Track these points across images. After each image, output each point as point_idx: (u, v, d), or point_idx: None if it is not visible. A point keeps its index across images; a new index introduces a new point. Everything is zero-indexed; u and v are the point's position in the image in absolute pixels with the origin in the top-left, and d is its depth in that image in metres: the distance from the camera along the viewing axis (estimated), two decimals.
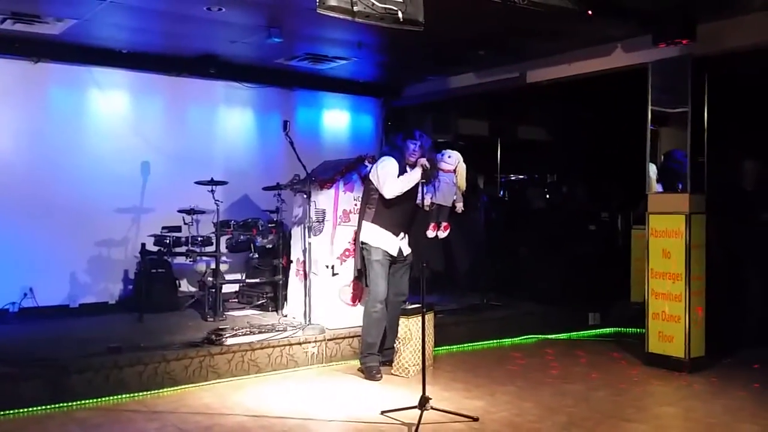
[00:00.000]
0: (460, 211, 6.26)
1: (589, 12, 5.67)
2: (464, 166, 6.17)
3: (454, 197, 6.06)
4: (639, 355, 6.22)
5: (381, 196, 5.60)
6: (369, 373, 5.61)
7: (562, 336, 7.31)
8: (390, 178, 5.59)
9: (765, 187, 7.20)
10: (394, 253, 5.69)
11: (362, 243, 5.71)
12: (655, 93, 6.55)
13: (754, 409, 4.86)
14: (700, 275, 5.92)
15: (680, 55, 6.35)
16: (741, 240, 6.94)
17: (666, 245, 5.97)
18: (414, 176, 5.53)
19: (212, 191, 6.95)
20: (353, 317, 6.22)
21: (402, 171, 5.62)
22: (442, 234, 6.20)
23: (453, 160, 6.17)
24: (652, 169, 6.50)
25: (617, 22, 6.21)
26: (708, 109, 6.41)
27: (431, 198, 5.84)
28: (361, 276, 5.91)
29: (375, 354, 5.67)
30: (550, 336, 7.26)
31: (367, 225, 5.69)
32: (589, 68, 7.40)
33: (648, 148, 6.71)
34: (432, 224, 5.95)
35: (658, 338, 6.01)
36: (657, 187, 6.40)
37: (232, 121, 8.69)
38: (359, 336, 6.05)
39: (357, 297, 6.37)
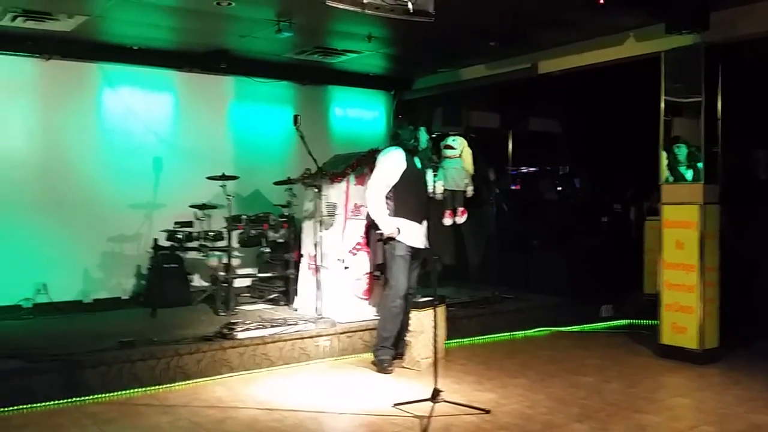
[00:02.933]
0: (470, 195, 6.25)
1: (601, 1, 5.63)
2: (470, 150, 6.16)
3: (465, 181, 6.04)
4: (652, 347, 6.17)
5: (394, 186, 5.56)
6: (381, 366, 5.61)
7: (575, 328, 7.27)
8: (377, 186, 5.52)
9: None
10: (420, 245, 5.65)
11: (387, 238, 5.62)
12: (669, 82, 6.48)
13: (766, 400, 4.82)
14: (714, 266, 5.87)
15: (693, 43, 6.28)
16: (755, 230, 6.87)
17: (679, 236, 5.91)
18: (384, 225, 5.48)
19: (224, 186, 6.98)
20: (364, 311, 6.22)
21: (408, 160, 5.57)
22: (460, 219, 6.20)
23: (457, 145, 6.16)
24: (667, 159, 6.43)
25: (629, 11, 6.16)
26: (722, 98, 6.34)
27: (443, 185, 5.83)
28: (381, 271, 5.89)
29: (389, 348, 5.66)
30: (562, 328, 7.22)
31: (390, 220, 5.57)
32: (602, 58, 7.36)
33: (661, 138, 6.65)
34: (448, 211, 5.94)
35: (671, 330, 5.97)
36: (669, 175, 6.34)
37: (243, 116, 8.70)
38: (371, 329, 6.07)
39: (370, 290, 6.37)
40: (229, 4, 6.08)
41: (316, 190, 6.50)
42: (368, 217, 5.89)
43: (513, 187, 9.88)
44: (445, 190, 5.89)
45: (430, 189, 5.56)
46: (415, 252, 5.64)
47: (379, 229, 5.65)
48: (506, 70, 8.39)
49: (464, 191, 6.29)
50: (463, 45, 7.72)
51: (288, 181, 7.36)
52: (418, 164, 5.71)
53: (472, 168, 6.23)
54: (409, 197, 5.58)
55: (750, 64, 6.79)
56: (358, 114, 9.70)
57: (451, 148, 6.38)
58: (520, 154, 9.92)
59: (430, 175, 5.81)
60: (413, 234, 5.60)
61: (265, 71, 8.59)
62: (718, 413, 4.58)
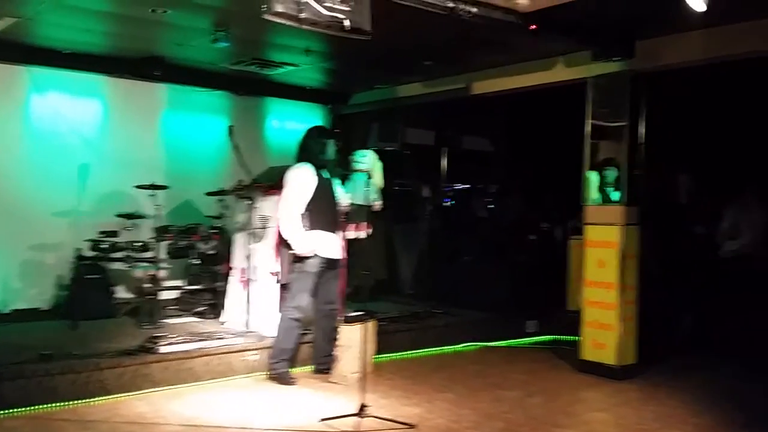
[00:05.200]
0: (378, 209, 6.32)
1: (532, 26, 5.80)
2: (380, 164, 6.25)
3: (372, 196, 6.11)
4: (574, 363, 6.35)
5: (308, 201, 5.55)
6: (284, 378, 5.58)
7: (502, 343, 7.41)
8: (290, 205, 5.51)
9: (697, 200, 7.48)
10: (336, 256, 5.67)
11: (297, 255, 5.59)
12: (594, 107, 6.74)
13: (682, 416, 5.01)
14: (633, 285, 6.08)
15: (619, 71, 6.54)
16: (674, 251, 7.18)
17: (601, 255, 6.11)
18: (300, 246, 5.48)
19: (153, 196, 6.83)
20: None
21: (318, 174, 5.59)
22: (363, 234, 6.25)
23: (367, 160, 6.25)
24: (595, 180, 6.66)
25: (559, 37, 6.36)
26: (645, 124, 6.62)
27: (350, 198, 5.89)
28: (286, 286, 5.86)
29: (287, 360, 5.64)
30: (490, 343, 7.35)
31: (304, 234, 5.55)
32: (532, 81, 7.54)
33: (586, 160, 6.89)
34: (351, 225, 5.98)
35: (592, 346, 6.16)
36: (597, 197, 6.56)
37: (176, 124, 8.54)
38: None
39: None
40: (165, 11, 5.98)
41: (249, 202, 6.45)
42: (279, 233, 5.82)
43: (446, 204, 10.02)
44: (351, 203, 5.95)
45: (338, 200, 5.61)
46: (331, 263, 5.65)
47: (291, 249, 5.61)
48: (442, 89, 8.52)
49: (370, 206, 6.37)
50: (399, 63, 7.81)
51: (220, 193, 7.27)
52: (327, 175, 5.74)
53: (381, 182, 6.33)
54: (323, 210, 5.62)
55: (674, 91, 7.12)
56: (295, 127, 9.65)
57: (360, 162, 6.47)
58: (454, 171, 10.08)
59: (338, 185, 5.86)
60: (330, 245, 5.62)
61: (200, 80, 8.46)
62: (636, 428, 4.75)
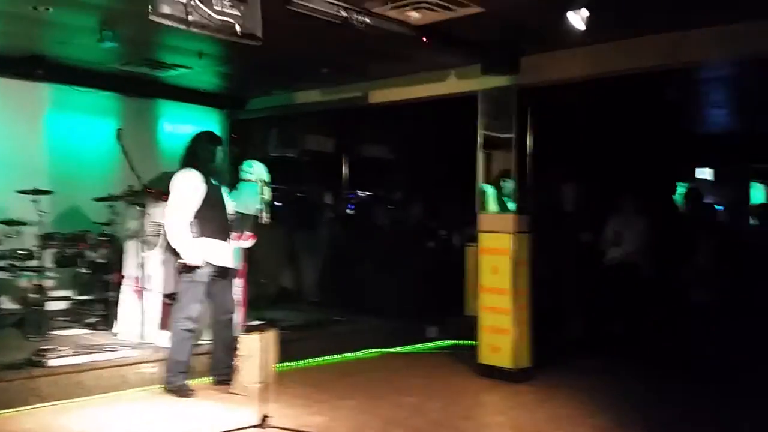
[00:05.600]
0: (266, 222, 6.30)
1: (425, 39, 5.96)
2: (268, 176, 6.24)
3: (258, 207, 6.10)
4: (472, 367, 6.50)
5: (199, 207, 5.43)
6: (182, 391, 5.43)
7: (404, 349, 7.52)
8: (177, 212, 5.37)
9: (582, 208, 7.92)
10: (228, 264, 5.57)
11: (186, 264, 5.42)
12: (485, 119, 7.01)
13: (577, 417, 5.20)
14: (525, 290, 6.32)
15: (507, 85, 6.83)
16: (561, 257, 7.56)
17: (494, 262, 6.33)
18: (188, 255, 5.36)
19: (36, 201, 6.49)
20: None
21: (206, 180, 5.49)
22: (246, 243, 6.22)
23: (254, 170, 6.23)
24: (491, 191, 6.91)
25: (450, 50, 6.56)
26: (534, 136, 6.94)
27: (234, 207, 5.85)
28: (173, 297, 5.72)
29: (184, 372, 5.50)
30: (391, 349, 7.43)
31: (193, 242, 5.40)
32: (426, 93, 7.74)
33: (480, 170, 7.15)
34: (235, 234, 5.95)
35: (488, 350, 6.35)
36: (494, 207, 6.80)
37: (60, 126, 8.11)
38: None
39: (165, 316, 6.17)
40: (47, 9, 5.69)
41: (141, 208, 6.23)
42: (165, 241, 5.66)
43: (348, 211, 10.07)
44: (236, 212, 5.91)
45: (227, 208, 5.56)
46: (222, 271, 5.57)
47: (179, 257, 5.46)
48: (339, 97, 8.57)
49: (255, 216, 6.35)
50: (296, 69, 7.78)
51: (110, 198, 6.98)
52: (215, 182, 5.65)
53: (268, 194, 6.34)
54: (212, 217, 5.51)
55: (559, 105, 7.52)
56: (190, 131, 9.38)
57: (248, 172, 6.44)
58: (355, 179, 10.16)
59: (226, 192, 5.80)
60: (221, 253, 5.53)
61: (86, 80, 8.06)
62: (532, 430, 4.94)
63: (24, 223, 6.69)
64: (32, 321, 6.36)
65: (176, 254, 5.46)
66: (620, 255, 7.60)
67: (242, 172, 6.24)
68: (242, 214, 5.87)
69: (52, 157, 7.93)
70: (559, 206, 7.86)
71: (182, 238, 5.36)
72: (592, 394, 5.80)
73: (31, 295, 6.49)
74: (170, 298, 5.86)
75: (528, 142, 6.90)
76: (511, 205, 6.81)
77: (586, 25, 5.31)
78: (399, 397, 5.64)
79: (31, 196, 6.51)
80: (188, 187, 5.42)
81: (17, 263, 6.57)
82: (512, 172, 6.90)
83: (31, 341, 6.11)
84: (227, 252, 5.59)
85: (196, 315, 5.48)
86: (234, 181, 6.36)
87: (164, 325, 6.05)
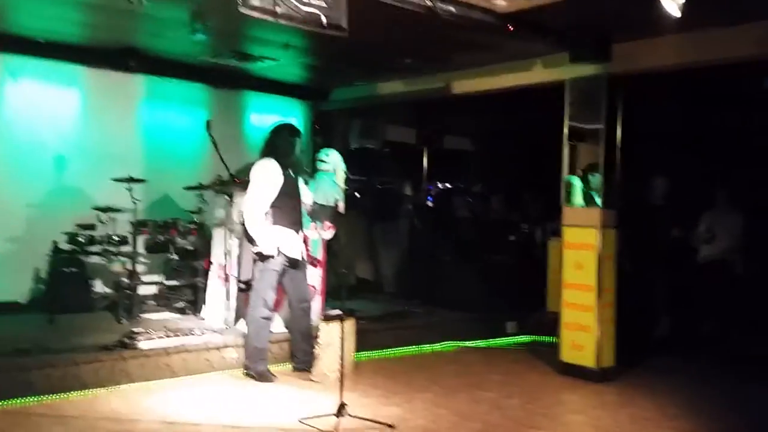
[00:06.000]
0: (342, 211, 6.33)
1: (510, 27, 5.83)
2: (343, 165, 6.23)
3: (335, 196, 6.09)
4: (553, 364, 6.38)
5: (277, 196, 5.50)
6: (263, 376, 5.56)
7: (481, 344, 7.44)
8: (255, 202, 5.44)
9: (672, 203, 7.59)
10: (298, 256, 5.65)
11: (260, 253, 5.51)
12: (572, 109, 6.80)
13: (659, 419, 5.04)
14: (611, 287, 6.13)
15: (596, 73, 6.60)
16: (650, 253, 7.27)
17: (579, 257, 6.16)
18: (264, 245, 5.42)
19: (130, 189, 6.76)
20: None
21: (284, 171, 5.55)
22: (326, 234, 6.25)
23: (331, 159, 6.22)
24: (578, 183, 6.71)
25: (536, 39, 6.40)
26: (622, 127, 6.70)
27: (313, 197, 5.88)
28: (248, 285, 5.82)
29: (264, 358, 5.62)
30: (469, 343, 7.38)
31: (268, 231, 5.48)
32: (511, 82, 7.60)
33: (565, 162, 6.96)
34: (312, 225, 5.98)
35: (570, 347, 6.20)
36: (581, 200, 6.60)
37: (153, 117, 8.43)
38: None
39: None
40: (142, 2, 5.89)
41: (228, 197, 6.40)
42: (243, 229, 5.76)
43: (427, 203, 10.04)
44: (314, 203, 5.93)
45: (303, 199, 5.61)
46: (293, 262, 5.63)
47: (254, 244, 5.56)
48: (421, 88, 8.54)
49: (334, 206, 6.37)
50: (379, 60, 7.81)
51: (199, 187, 7.20)
52: (292, 173, 5.71)
53: (343, 183, 6.33)
54: (287, 207, 5.57)
55: (651, 95, 7.22)
56: (274, 121, 9.59)
57: (324, 162, 6.47)
58: (435, 170, 10.11)
59: (302, 184, 5.84)
60: (292, 244, 5.59)
61: (178, 72, 8.36)
62: (612, 431, 4.80)
63: (118, 210, 6.99)
64: (124, 304, 6.66)
65: (252, 242, 5.58)
66: (713, 252, 7.25)
67: (318, 161, 6.33)
68: (321, 204, 5.93)
69: (145, 146, 8.28)
70: (649, 200, 7.55)
71: (258, 227, 5.46)
72: (677, 396, 5.61)
73: (124, 280, 6.80)
74: (246, 285, 5.99)
75: (617, 134, 6.66)
76: (598, 199, 6.59)
77: (682, 12, 5.06)
78: (476, 391, 5.59)
79: (125, 184, 6.78)
80: (267, 178, 5.52)
81: (111, 248, 6.88)
82: (600, 165, 6.67)
83: (122, 324, 6.42)
84: (299, 243, 5.66)
85: (272, 302, 5.59)
86: (314, 171, 6.46)
87: (241, 311, 6.20)
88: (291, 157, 5.67)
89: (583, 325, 6.09)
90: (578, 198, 6.63)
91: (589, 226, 6.12)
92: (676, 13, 5.10)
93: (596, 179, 6.69)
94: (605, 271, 6.07)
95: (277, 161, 5.58)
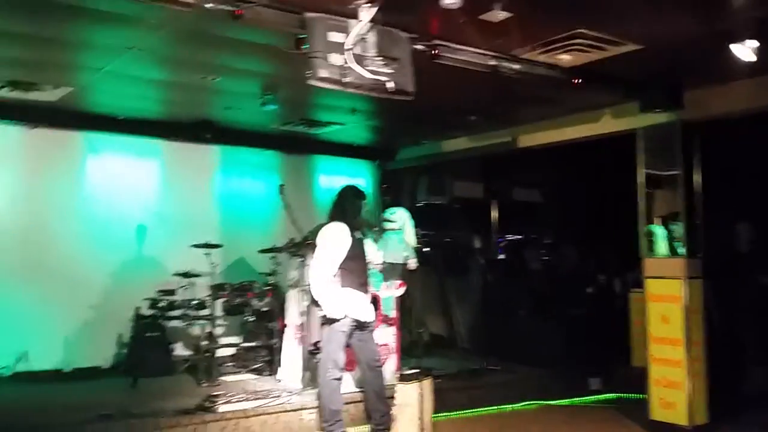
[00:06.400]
0: (413, 268, 6.25)
1: (576, 81, 5.81)
2: (411, 222, 6.17)
3: (405, 254, 6.03)
4: (642, 423, 6.07)
5: (345, 258, 5.47)
6: None
7: (564, 402, 7.15)
8: (323, 265, 5.38)
9: (759, 248, 7.24)
10: (369, 318, 5.60)
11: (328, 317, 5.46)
12: (646, 156, 6.64)
13: None
14: (699, 340, 5.85)
15: (668, 121, 6.47)
16: (739, 303, 6.92)
17: (664, 310, 5.92)
18: (330, 309, 5.36)
19: (208, 254, 6.95)
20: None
21: (352, 234, 5.51)
22: (397, 292, 6.19)
23: (397, 218, 6.18)
24: (660, 232, 6.50)
25: (605, 89, 6.35)
26: (701, 172, 6.50)
27: (382, 257, 5.84)
28: (318, 350, 5.79)
29: (340, 420, 5.49)
30: (550, 402, 7.10)
31: (335, 295, 5.42)
32: (579, 134, 7.54)
33: (641, 210, 6.77)
34: (384, 284, 5.94)
35: (660, 405, 5.90)
36: (664, 250, 6.38)
37: (228, 184, 8.73)
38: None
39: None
40: (215, 78, 6.18)
41: (301, 259, 6.48)
42: (309, 294, 5.74)
43: (499, 257, 9.92)
44: (384, 262, 5.89)
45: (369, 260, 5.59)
46: (360, 324, 5.53)
47: (321, 309, 5.50)
48: (487, 143, 8.56)
49: (404, 264, 6.31)
50: (444, 119, 7.89)
51: (273, 250, 7.34)
52: (360, 235, 5.69)
53: (413, 241, 6.26)
54: (355, 270, 5.52)
55: (728, 139, 7.00)
56: (345, 183, 9.74)
57: (391, 221, 6.46)
58: (505, 223, 10.01)
59: (370, 244, 5.83)
60: (361, 305, 5.54)
61: (250, 141, 8.69)
62: None
63: (197, 275, 7.17)
64: (203, 367, 6.76)
65: (318, 305, 5.58)
66: None
67: (385, 222, 6.34)
68: (390, 263, 5.91)
69: (221, 212, 8.55)
70: (734, 248, 7.23)
71: (325, 291, 5.45)
72: None
73: (203, 342, 6.91)
74: (315, 348, 5.98)
75: (695, 180, 6.46)
76: (681, 249, 6.34)
77: (756, 55, 4.95)
78: None
79: (203, 250, 6.98)
80: (335, 241, 5.52)
81: (190, 312, 7.04)
82: (680, 212, 6.45)
83: (202, 386, 6.51)
84: (366, 304, 5.63)
85: (342, 363, 5.55)
86: (382, 230, 6.48)
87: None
88: (357, 218, 5.70)
89: (672, 381, 5.81)
90: (662, 248, 6.39)
91: (673, 277, 5.90)
92: (751, 57, 4.99)
93: (678, 227, 6.46)
94: (693, 324, 5.81)
95: (345, 223, 5.63)
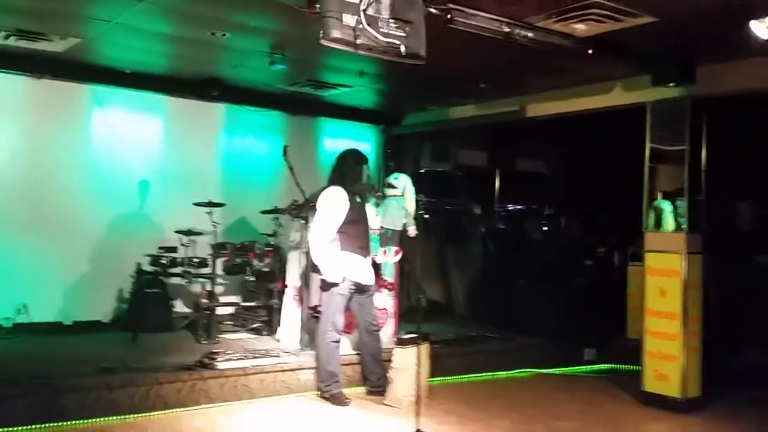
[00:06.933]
0: (413, 235, 6.26)
1: (590, 51, 5.75)
2: (413, 189, 6.15)
3: (404, 221, 6.03)
4: (634, 394, 6.17)
5: (344, 222, 5.52)
6: (338, 400, 5.56)
7: (558, 371, 7.25)
8: (321, 230, 5.45)
9: (760, 228, 7.27)
10: (368, 282, 5.65)
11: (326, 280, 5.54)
12: (654, 131, 6.61)
13: None
14: (697, 315, 5.90)
15: (679, 96, 6.43)
16: (737, 280, 6.97)
17: (662, 284, 5.96)
18: (329, 273, 5.43)
19: (210, 213, 6.96)
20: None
21: (351, 198, 5.56)
22: (393, 259, 6.20)
23: (399, 183, 6.16)
24: (668, 207, 6.49)
25: (617, 61, 6.28)
26: (706, 149, 6.48)
27: (380, 222, 5.84)
28: (317, 311, 5.83)
29: (337, 381, 5.64)
30: (545, 370, 7.20)
31: (334, 259, 5.48)
32: (589, 105, 7.48)
33: (646, 185, 6.76)
34: (381, 249, 5.95)
35: (653, 377, 5.98)
36: (671, 225, 6.38)
37: (232, 143, 8.71)
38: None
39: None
40: (224, 35, 6.12)
41: (303, 221, 6.50)
42: (308, 258, 5.77)
43: (500, 226, 9.94)
44: (381, 227, 5.89)
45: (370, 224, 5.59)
46: (360, 287, 5.63)
47: (320, 273, 5.58)
48: (495, 111, 8.50)
49: (402, 231, 6.32)
50: (453, 85, 7.82)
51: (275, 211, 7.35)
52: (359, 198, 5.72)
53: (413, 208, 6.26)
54: (354, 233, 5.58)
55: (736, 117, 6.96)
56: (348, 146, 9.71)
57: (393, 186, 6.44)
58: (507, 193, 10.01)
59: (370, 209, 5.83)
60: (360, 269, 5.60)
61: (256, 100, 8.61)
62: None
63: (199, 233, 7.19)
64: (203, 325, 6.82)
65: (317, 270, 5.62)
66: None
67: (387, 187, 6.33)
68: (388, 229, 5.92)
69: (225, 172, 8.54)
70: (735, 226, 7.24)
71: (324, 256, 5.49)
72: (765, 428, 5.38)
73: (203, 300, 6.96)
74: (315, 311, 6.04)
75: (702, 156, 6.44)
76: (683, 223, 6.35)
77: None
78: (555, 421, 5.44)
79: (205, 208, 6.98)
80: (333, 205, 5.55)
81: (191, 270, 7.07)
82: (684, 188, 6.45)
83: (201, 344, 6.57)
84: (366, 268, 5.67)
85: (341, 325, 5.61)
86: (384, 195, 6.48)
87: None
88: (357, 182, 5.70)
89: (667, 354, 5.87)
90: (669, 223, 6.38)
91: (673, 252, 5.92)
92: (765, 35, 4.94)
93: (679, 203, 6.46)
94: (691, 299, 5.85)
95: (344, 188, 5.62)
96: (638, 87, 6.82)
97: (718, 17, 5.09)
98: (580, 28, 5.46)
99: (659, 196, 6.70)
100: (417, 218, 6.51)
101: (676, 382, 5.81)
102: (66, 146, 7.55)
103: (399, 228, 6.21)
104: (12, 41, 6.42)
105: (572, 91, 7.54)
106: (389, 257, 6.26)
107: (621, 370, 7.20)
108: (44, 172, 7.37)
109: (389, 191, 6.51)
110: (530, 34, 5.28)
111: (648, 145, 6.66)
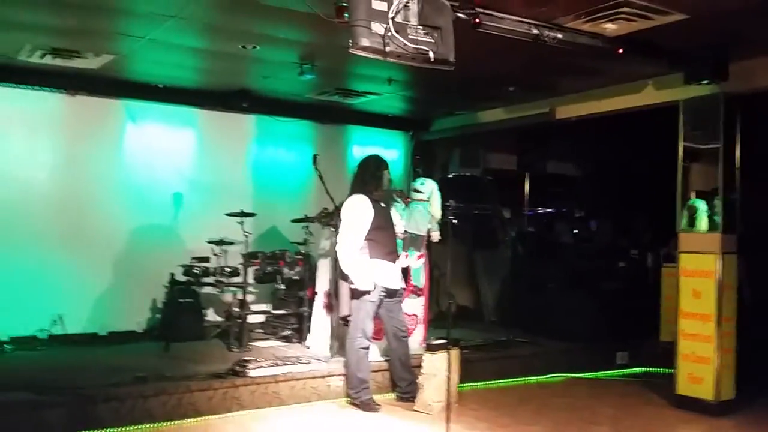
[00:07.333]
0: (436, 240, 6.22)
1: (620, 50, 5.68)
2: (439, 194, 6.11)
3: (429, 226, 6.00)
4: (668, 397, 6.08)
5: (370, 229, 5.53)
6: (368, 406, 5.58)
7: (590, 375, 7.16)
8: (348, 239, 5.47)
9: None
10: (396, 286, 5.64)
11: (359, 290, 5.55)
12: (687, 129, 6.50)
13: None
14: (731, 316, 5.79)
15: (712, 93, 6.31)
16: None
17: (697, 285, 5.86)
18: (359, 281, 5.45)
19: (241, 223, 7.05)
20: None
21: (375, 205, 5.56)
22: (415, 264, 6.17)
23: (426, 188, 6.13)
24: (703, 206, 6.37)
25: (648, 60, 6.19)
26: (741, 147, 6.33)
27: (404, 227, 5.83)
28: (347, 320, 5.85)
29: (367, 387, 5.65)
30: (577, 375, 7.11)
31: (363, 267, 5.51)
32: (619, 105, 7.37)
33: (679, 184, 6.64)
34: (404, 253, 5.94)
35: (687, 380, 5.88)
36: (705, 225, 6.26)
37: (262, 153, 8.81)
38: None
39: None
40: (254, 47, 6.20)
41: (333, 229, 6.53)
42: (337, 267, 5.79)
43: (530, 230, 9.85)
44: (406, 231, 5.87)
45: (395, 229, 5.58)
46: (390, 292, 5.63)
47: (349, 282, 5.59)
48: (524, 114, 8.44)
49: (426, 235, 6.29)
50: (482, 89, 7.79)
51: (305, 219, 7.41)
52: (383, 204, 5.71)
53: (438, 213, 6.22)
54: (380, 239, 5.59)
55: None
56: (377, 154, 9.76)
57: (419, 191, 6.43)
58: (537, 196, 9.92)
59: (395, 213, 5.82)
60: (389, 275, 5.60)
61: (285, 110, 8.70)
62: None
63: (231, 243, 7.28)
64: (234, 333, 6.91)
65: (347, 279, 5.64)
66: None
67: (413, 192, 6.33)
68: (413, 234, 5.91)
69: (255, 182, 8.65)
70: None
71: (353, 265, 5.51)
72: None
73: (235, 309, 7.05)
74: (345, 321, 6.06)
75: (736, 154, 6.30)
76: (717, 224, 6.21)
77: None
78: (587, 426, 5.38)
79: (237, 218, 7.07)
80: (358, 214, 5.57)
81: (223, 279, 7.17)
82: (719, 187, 6.31)
83: (232, 352, 6.66)
84: (395, 273, 5.67)
85: (370, 332, 5.62)
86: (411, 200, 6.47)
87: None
88: (380, 189, 5.72)
89: (701, 357, 5.77)
90: (704, 223, 6.25)
91: (708, 253, 5.82)
92: None
93: (717, 203, 6.32)
94: (725, 300, 5.74)
95: (366, 195, 5.63)
96: (670, 85, 6.71)
97: (750, 13, 5.00)
98: (609, 27, 5.41)
99: (692, 195, 6.58)
100: (446, 223, 6.48)
101: (709, 385, 5.71)
102: (101, 161, 7.73)
103: (423, 233, 6.19)
104: (48, 59, 6.60)
105: (603, 92, 7.45)
106: (411, 261, 6.26)
107: (654, 373, 7.07)
108: (80, 186, 7.56)
109: (415, 195, 6.52)
110: (559, 35, 5.24)
111: (681, 144, 6.54)
